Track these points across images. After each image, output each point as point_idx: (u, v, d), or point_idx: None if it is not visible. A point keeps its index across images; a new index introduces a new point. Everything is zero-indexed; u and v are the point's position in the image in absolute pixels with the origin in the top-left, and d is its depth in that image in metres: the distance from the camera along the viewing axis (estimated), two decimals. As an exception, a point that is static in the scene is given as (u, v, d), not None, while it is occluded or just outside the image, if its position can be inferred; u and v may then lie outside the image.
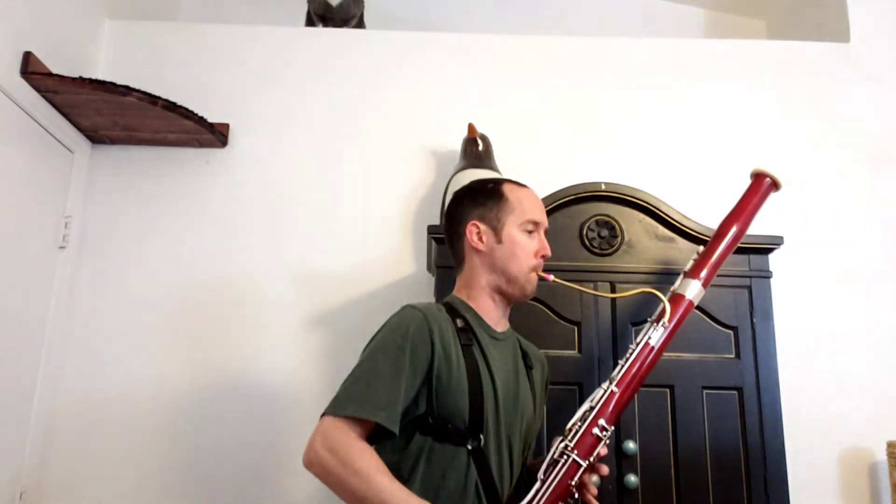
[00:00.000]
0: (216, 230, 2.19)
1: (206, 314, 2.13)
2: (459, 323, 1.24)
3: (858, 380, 2.10)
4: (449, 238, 1.37)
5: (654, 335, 1.23)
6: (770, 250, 1.82)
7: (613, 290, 1.78)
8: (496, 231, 1.29)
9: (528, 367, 1.33)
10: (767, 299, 1.79)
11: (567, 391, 1.69)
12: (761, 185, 1.39)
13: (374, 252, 2.18)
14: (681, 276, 1.28)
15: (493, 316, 1.30)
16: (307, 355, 2.10)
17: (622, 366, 1.21)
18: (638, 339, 1.23)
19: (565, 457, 1.14)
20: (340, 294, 2.15)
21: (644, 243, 1.83)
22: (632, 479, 1.64)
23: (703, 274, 1.29)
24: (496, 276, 1.29)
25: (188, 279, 2.15)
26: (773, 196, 2.33)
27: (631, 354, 1.23)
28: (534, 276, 1.29)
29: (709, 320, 1.77)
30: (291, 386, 2.07)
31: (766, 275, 1.81)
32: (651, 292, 1.27)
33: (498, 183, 1.35)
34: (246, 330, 2.12)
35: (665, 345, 1.24)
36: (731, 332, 1.78)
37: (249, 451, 2.03)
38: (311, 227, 2.20)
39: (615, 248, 1.82)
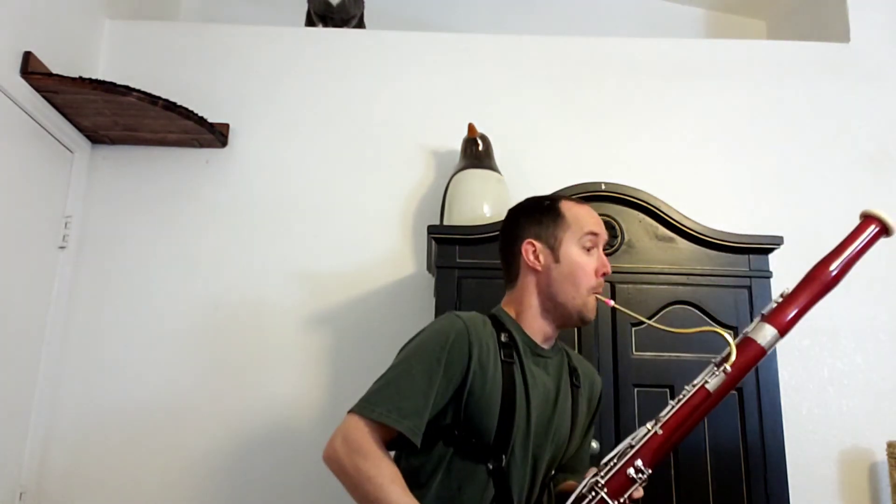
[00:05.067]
0: (216, 230, 2.19)
1: (206, 313, 2.13)
2: (503, 337, 1.20)
3: (858, 380, 2.10)
4: (503, 256, 1.33)
5: (713, 380, 1.11)
6: (770, 250, 1.82)
7: (613, 291, 1.77)
8: (553, 249, 1.25)
9: (575, 386, 1.28)
10: (767, 299, 1.79)
11: (567, 391, 1.68)
12: (867, 229, 1.27)
13: (374, 252, 2.18)
14: (757, 318, 1.17)
15: (540, 335, 1.26)
16: (307, 354, 2.10)
17: (672, 407, 1.12)
18: (695, 381, 1.13)
19: (594, 492, 1.08)
20: (340, 294, 2.14)
21: (644, 243, 1.83)
22: (632, 479, 1.64)
23: (785, 322, 1.16)
24: (551, 298, 1.24)
25: (188, 279, 2.15)
26: (773, 195, 2.32)
27: (684, 397, 1.12)
28: (592, 300, 1.24)
29: (709, 320, 1.76)
30: (291, 385, 2.07)
31: (766, 275, 1.81)
32: (720, 333, 1.15)
33: (554, 200, 1.31)
34: (245, 329, 2.12)
35: (724, 392, 1.12)
36: (731, 332, 1.77)
37: (249, 451, 2.03)
38: (311, 227, 2.20)
39: (615, 248, 1.82)
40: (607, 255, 1.79)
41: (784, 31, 2.82)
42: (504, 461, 1.14)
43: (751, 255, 1.81)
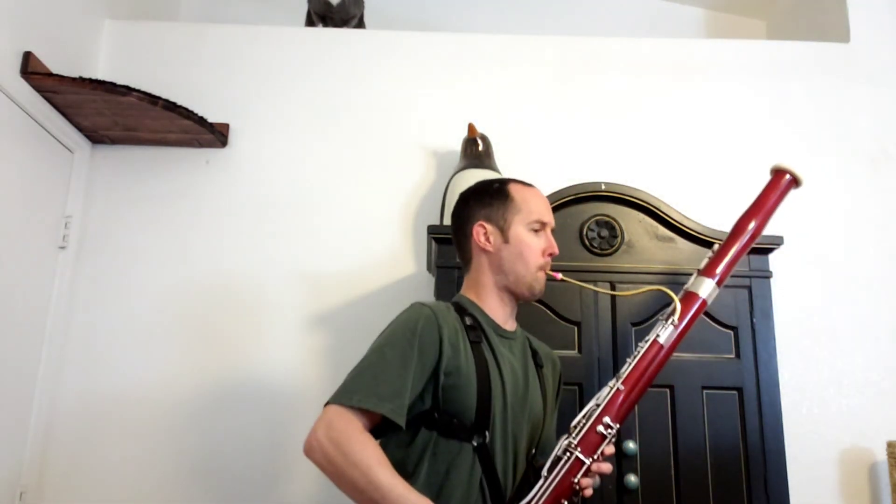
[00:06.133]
0: (216, 230, 2.19)
1: (206, 314, 2.13)
2: (468, 321, 1.24)
3: (858, 380, 2.10)
4: (456, 239, 1.37)
5: (664, 333, 1.20)
6: (770, 250, 1.82)
7: (613, 290, 1.77)
8: (503, 231, 1.30)
9: (538, 366, 1.33)
10: (767, 299, 1.79)
11: (567, 391, 1.68)
12: (781, 182, 1.36)
13: (374, 252, 2.18)
14: (695, 275, 1.25)
15: (501, 315, 1.31)
16: (307, 355, 2.10)
17: (629, 363, 1.20)
18: (647, 337, 1.21)
19: (568, 454, 1.13)
20: (340, 294, 2.15)
21: (644, 243, 1.84)
22: (632, 479, 1.64)
23: (718, 272, 1.25)
24: (503, 275, 1.29)
25: (188, 279, 2.15)
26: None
27: (639, 352, 1.20)
28: (542, 275, 1.30)
29: (709, 320, 1.77)
30: (291, 385, 2.07)
31: (766, 275, 1.81)
32: (663, 290, 1.25)
33: (503, 183, 1.36)
34: (246, 330, 2.12)
35: (675, 344, 1.21)
36: (731, 332, 1.78)
37: (249, 450, 2.03)
38: (311, 227, 2.20)
39: (615, 248, 1.82)
40: (607, 254, 1.82)
41: (784, 31, 2.82)
42: (487, 437, 1.16)
43: (751, 255, 1.81)
